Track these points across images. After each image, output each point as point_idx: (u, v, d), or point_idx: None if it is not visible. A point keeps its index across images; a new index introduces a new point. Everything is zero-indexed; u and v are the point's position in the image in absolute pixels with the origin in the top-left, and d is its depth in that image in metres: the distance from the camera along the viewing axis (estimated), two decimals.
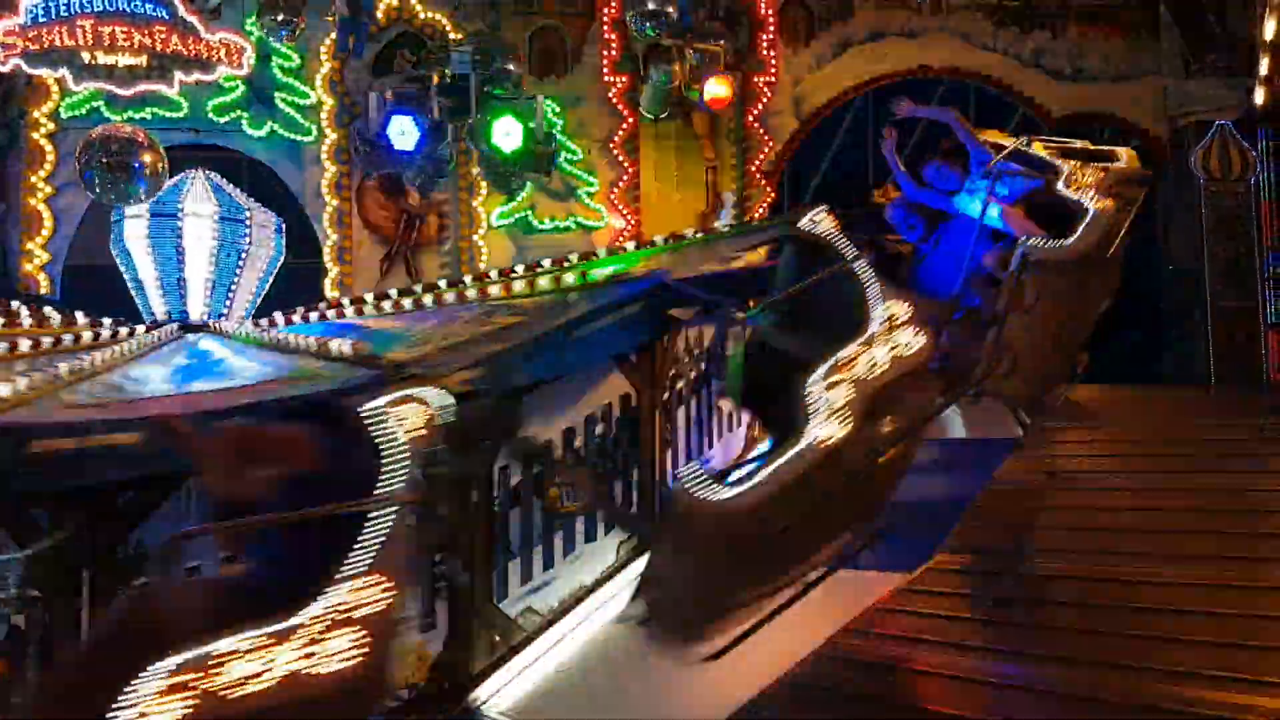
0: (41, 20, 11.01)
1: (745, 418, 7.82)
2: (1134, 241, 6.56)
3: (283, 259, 10.15)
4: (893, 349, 4.76)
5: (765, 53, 12.91)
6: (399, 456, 3.44)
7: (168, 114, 11.66)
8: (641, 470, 7.14)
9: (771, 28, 12.94)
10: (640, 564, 5.59)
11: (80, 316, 8.96)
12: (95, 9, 11.40)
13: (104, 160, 7.85)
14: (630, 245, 10.74)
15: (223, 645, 3.11)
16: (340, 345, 4.37)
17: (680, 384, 7.35)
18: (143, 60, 11.47)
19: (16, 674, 4.80)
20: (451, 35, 12.03)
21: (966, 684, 5.52)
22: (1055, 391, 6.28)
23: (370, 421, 3.45)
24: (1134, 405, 10.68)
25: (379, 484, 3.38)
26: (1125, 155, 6.79)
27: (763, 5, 12.86)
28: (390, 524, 3.33)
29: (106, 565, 5.00)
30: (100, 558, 5.01)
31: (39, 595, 4.85)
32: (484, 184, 12.22)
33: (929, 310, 5.32)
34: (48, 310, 8.14)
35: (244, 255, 9.33)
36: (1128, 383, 12.16)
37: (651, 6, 11.18)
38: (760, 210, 12.73)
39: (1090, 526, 7.10)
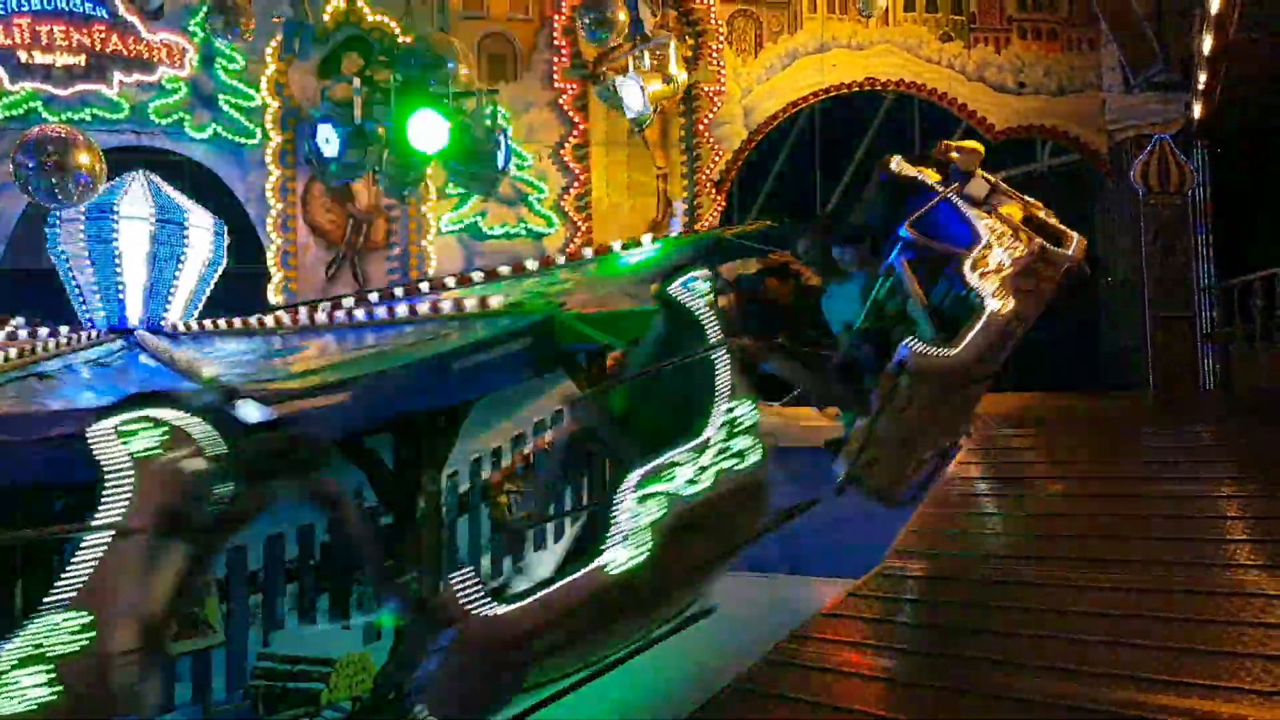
0: None
1: None
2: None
3: (224, 264, 9.99)
4: (722, 459, 4.28)
5: (714, 63, 12.97)
6: (122, 481, 3.14)
7: (108, 115, 11.42)
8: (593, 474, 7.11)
9: (721, 38, 13.00)
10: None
11: (19, 321, 8.75)
12: (32, 7, 11.16)
13: (40, 162, 7.68)
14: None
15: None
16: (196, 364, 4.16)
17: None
18: (81, 60, 11.25)
19: None
20: (400, 38, 11.92)
21: (907, 687, 5.55)
22: (909, 479, 6.08)
23: (96, 442, 3.16)
24: (1074, 413, 10.86)
25: (99, 508, 3.11)
26: (1074, 243, 6.43)
27: (712, 15, 12.92)
28: (104, 552, 3.06)
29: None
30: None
31: None
32: (431, 189, 12.10)
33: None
34: None
35: (182, 259, 9.15)
36: (1066, 391, 12.40)
37: (603, 14, 11.15)
38: (711, 218, 12.78)
39: (1033, 532, 7.20)
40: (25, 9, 11.09)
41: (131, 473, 3.14)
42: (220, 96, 11.89)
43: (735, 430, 4.33)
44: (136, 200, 7.98)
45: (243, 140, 11.95)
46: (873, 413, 5.27)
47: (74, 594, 3.00)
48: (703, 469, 4.18)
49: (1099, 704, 4.98)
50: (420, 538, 5.47)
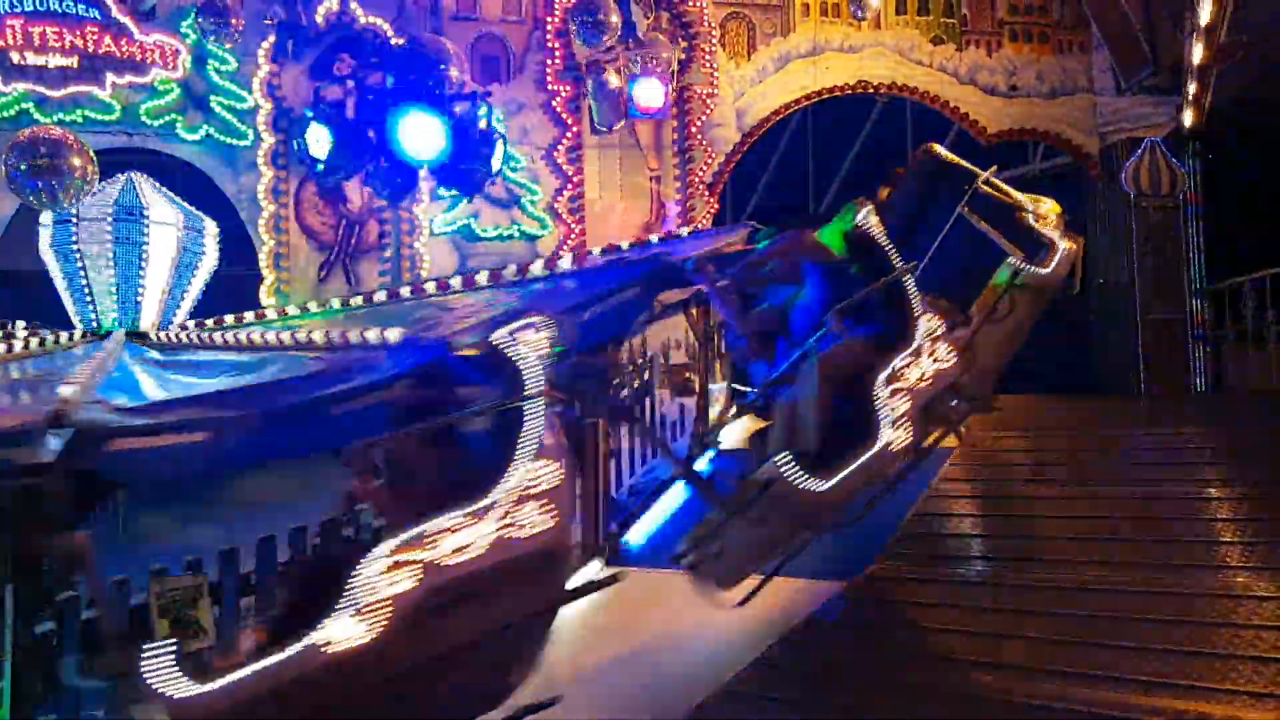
0: None
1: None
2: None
3: (216, 266, 9.97)
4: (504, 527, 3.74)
5: (707, 65, 12.98)
6: None
7: (100, 116, 11.40)
8: (585, 481, 7.10)
9: (713, 40, 13.02)
10: None
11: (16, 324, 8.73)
12: (25, 8, 11.14)
13: (32, 163, 7.68)
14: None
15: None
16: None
17: (624, 392, 7.31)
18: (74, 61, 11.23)
19: None
20: (393, 40, 11.91)
21: (896, 691, 5.56)
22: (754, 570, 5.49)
23: None
24: (1066, 415, 10.90)
25: None
26: (1056, 258, 6.54)
27: (705, 18, 12.94)
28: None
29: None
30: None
31: None
32: (424, 190, 12.11)
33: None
34: None
35: (198, 265, 9.18)
36: (1059, 393, 12.44)
37: (596, 17, 11.16)
38: (704, 220, 12.80)
39: (1024, 534, 7.22)
40: (18, 10, 11.06)
41: None
42: (212, 98, 11.87)
43: (528, 495, 3.83)
44: (162, 206, 8.04)
45: (235, 142, 11.94)
46: (724, 514, 4.87)
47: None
48: (475, 535, 3.67)
49: (1089, 705, 5.00)
50: None
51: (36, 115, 11.02)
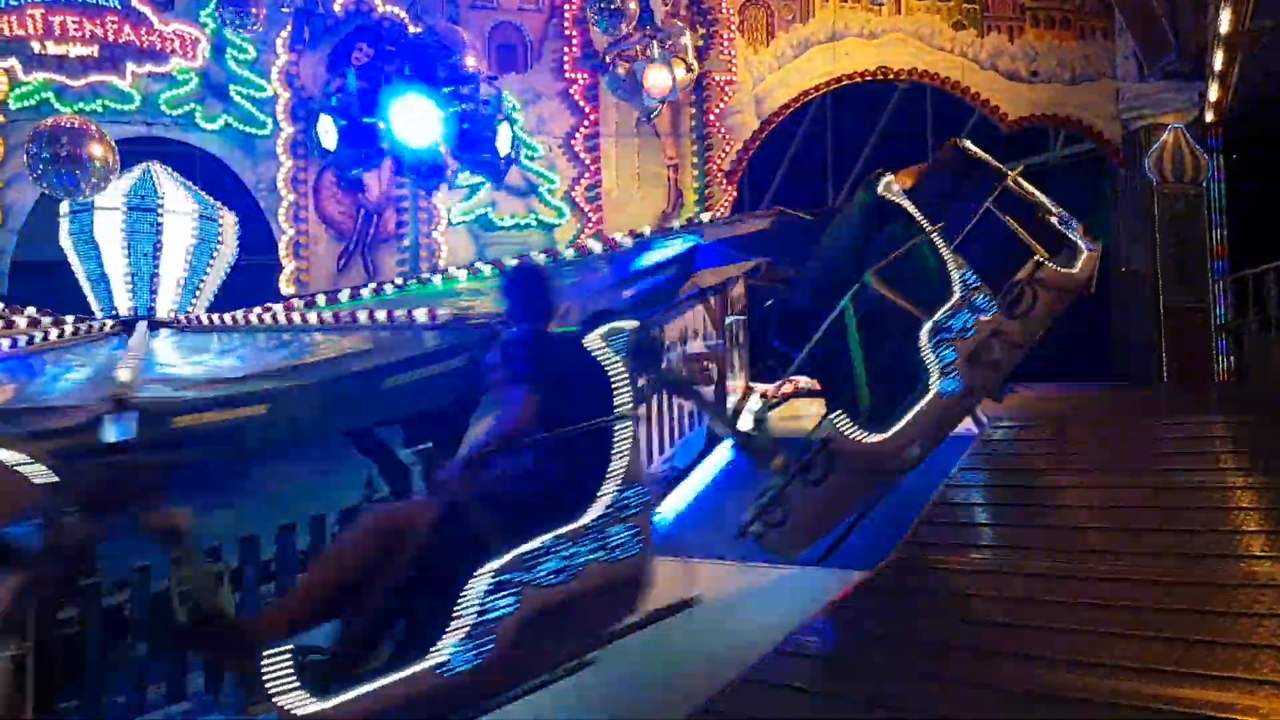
0: None
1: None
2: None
3: (235, 255, 10.02)
4: (596, 549, 3.80)
5: (725, 52, 12.93)
6: None
7: (119, 106, 11.44)
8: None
9: (732, 27, 12.96)
10: None
11: (33, 311, 8.82)
12: None
13: (54, 152, 7.73)
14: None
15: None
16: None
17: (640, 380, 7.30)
18: (94, 50, 11.28)
19: None
20: (410, 29, 11.91)
21: (915, 680, 5.54)
22: (816, 541, 5.72)
23: None
24: (1087, 404, 10.83)
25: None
26: (1081, 260, 6.62)
27: (723, 4, 12.88)
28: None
29: None
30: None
31: None
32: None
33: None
34: None
35: (215, 254, 9.24)
36: (1079, 382, 12.35)
37: (613, 4, 11.13)
38: (723, 209, 12.76)
39: (1045, 524, 7.18)
40: (39, 0, 11.12)
41: None
42: (231, 87, 11.91)
43: (619, 518, 3.81)
44: (177, 195, 8.10)
45: (254, 131, 11.97)
46: (787, 479, 5.02)
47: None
48: (571, 558, 3.70)
49: (1109, 695, 4.97)
50: None
51: (57, 105, 11.08)
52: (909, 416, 5.05)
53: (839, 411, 4.90)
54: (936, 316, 5.27)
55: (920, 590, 6.59)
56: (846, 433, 4.84)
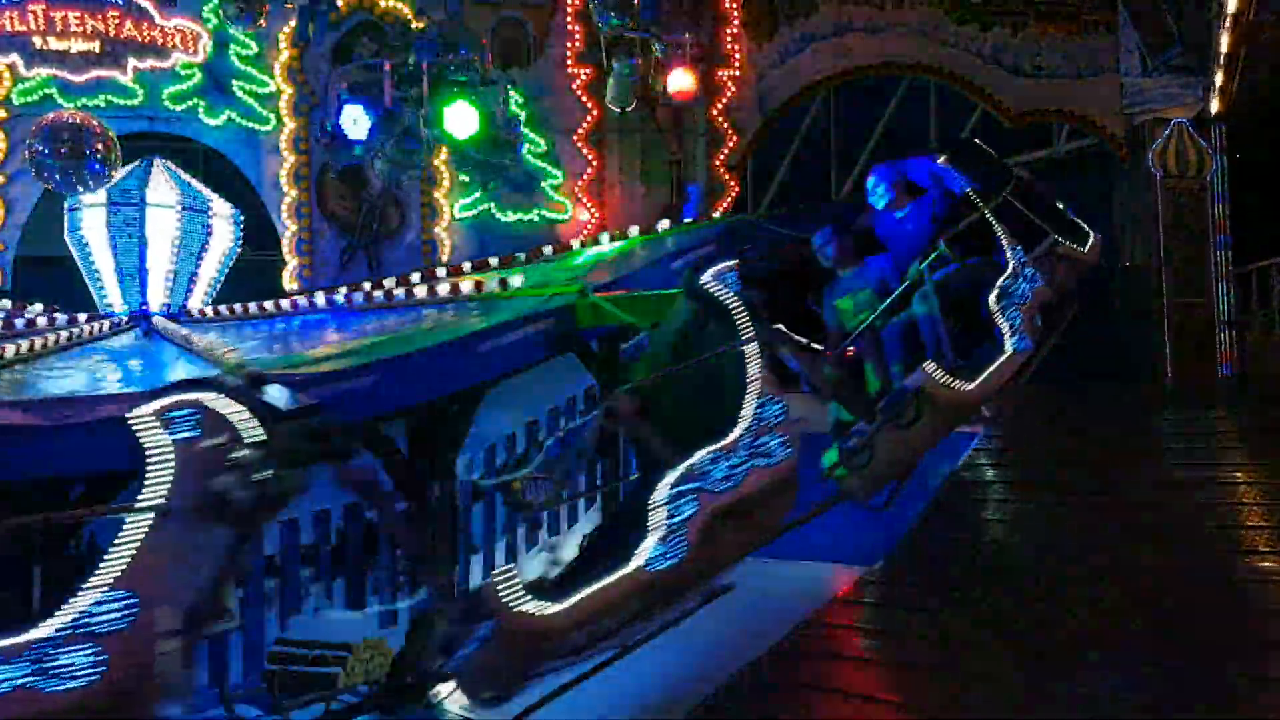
0: None
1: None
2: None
3: (234, 248, 10.01)
4: (752, 458, 4.52)
5: (729, 47, 12.89)
6: (164, 465, 3.19)
7: (122, 101, 11.42)
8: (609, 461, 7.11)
9: (736, 22, 12.92)
10: None
11: (37, 308, 8.81)
12: None
13: (56, 148, 7.72)
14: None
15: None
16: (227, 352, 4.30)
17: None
18: (96, 46, 11.27)
19: None
20: (413, 24, 11.88)
21: (919, 675, 5.56)
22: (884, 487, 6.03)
23: (138, 426, 3.22)
24: (1091, 401, 10.82)
25: (143, 491, 3.16)
26: (1090, 242, 6.76)
27: None
28: (146, 535, 3.10)
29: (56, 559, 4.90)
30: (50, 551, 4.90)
31: None
32: (445, 175, 12.11)
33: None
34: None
35: (206, 247, 9.22)
36: (1083, 379, 12.32)
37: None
38: (726, 204, 12.74)
39: (1047, 520, 7.18)
40: None
41: (172, 456, 3.18)
42: (234, 82, 11.88)
43: (765, 428, 4.51)
44: (162, 188, 8.07)
45: (257, 126, 11.95)
46: (878, 423, 5.36)
47: (118, 575, 3.03)
48: (734, 466, 4.38)
49: (1115, 692, 4.98)
50: (439, 521, 5.53)
51: (59, 100, 11.05)
52: (990, 369, 5.50)
53: (931, 363, 5.32)
54: (1000, 283, 5.70)
55: (921, 586, 6.61)
56: (941, 381, 5.26)
